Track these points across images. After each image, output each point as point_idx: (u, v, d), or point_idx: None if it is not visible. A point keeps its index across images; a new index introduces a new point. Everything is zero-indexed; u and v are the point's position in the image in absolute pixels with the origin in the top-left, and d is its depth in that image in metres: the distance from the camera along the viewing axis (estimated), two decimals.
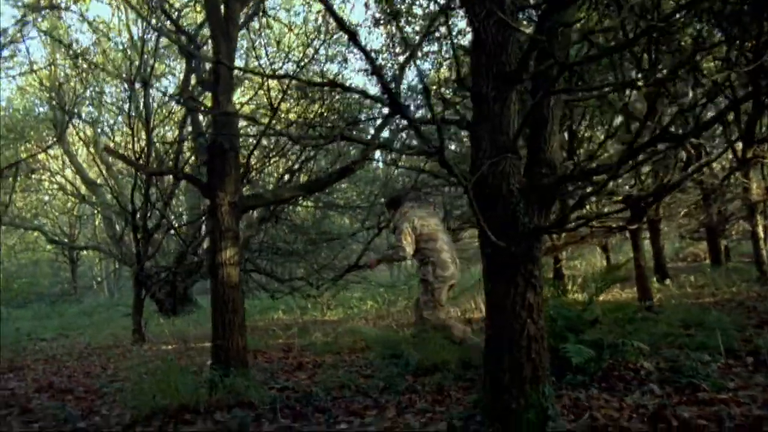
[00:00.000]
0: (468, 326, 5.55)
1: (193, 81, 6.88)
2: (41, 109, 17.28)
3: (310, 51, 7.89)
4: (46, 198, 19.46)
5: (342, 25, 2.40)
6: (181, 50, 6.17)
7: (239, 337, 4.28)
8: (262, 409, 3.78)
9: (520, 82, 2.87)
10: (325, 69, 8.99)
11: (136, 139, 9.66)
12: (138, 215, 9.60)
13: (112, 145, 14.24)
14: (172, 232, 11.74)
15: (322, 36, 8.08)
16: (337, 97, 7.42)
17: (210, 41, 4.57)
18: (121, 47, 13.92)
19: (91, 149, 15.85)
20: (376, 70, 2.38)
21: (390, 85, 2.61)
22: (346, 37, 2.21)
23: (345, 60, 8.48)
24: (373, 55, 8.70)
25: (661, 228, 10.54)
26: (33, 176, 17.01)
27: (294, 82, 5.05)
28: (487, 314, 3.03)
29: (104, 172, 14.75)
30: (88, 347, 9.28)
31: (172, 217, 13.98)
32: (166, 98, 12.39)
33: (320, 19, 8.84)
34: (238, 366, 4.20)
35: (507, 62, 2.86)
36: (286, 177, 9.06)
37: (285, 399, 3.88)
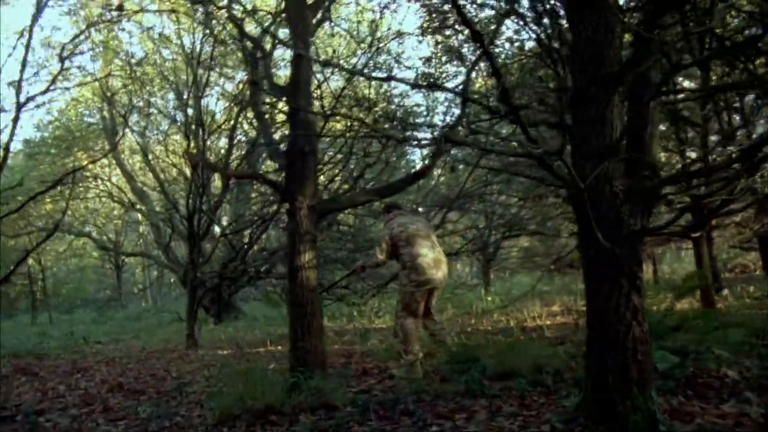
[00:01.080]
0: (422, 357, 5.44)
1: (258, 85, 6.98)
2: (91, 119, 17.73)
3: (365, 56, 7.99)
4: (94, 205, 19.92)
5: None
6: (247, 57, 6.27)
7: (318, 340, 4.31)
8: (346, 412, 3.80)
9: (622, 83, 2.86)
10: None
11: (192, 145, 9.91)
12: (193, 221, 9.79)
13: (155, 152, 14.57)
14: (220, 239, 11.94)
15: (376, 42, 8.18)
16: (394, 104, 7.48)
17: (284, 47, 4.62)
18: (174, 57, 14.30)
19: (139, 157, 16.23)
20: (492, 63, 2.39)
21: (502, 84, 2.62)
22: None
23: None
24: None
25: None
26: (81, 184, 17.43)
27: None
28: (589, 316, 3.01)
29: (155, 178, 15.08)
30: (143, 351, 9.44)
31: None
32: (219, 105, 12.63)
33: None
34: (317, 368, 4.23)
35: (610, 63, 2.84)
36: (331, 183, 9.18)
37: (368, 402, 3.88)
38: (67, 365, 8.13)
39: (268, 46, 6.59)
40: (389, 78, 4.26)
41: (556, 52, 3.13)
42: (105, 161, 17.66)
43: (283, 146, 5.18)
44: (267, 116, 5.88)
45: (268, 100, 6.22)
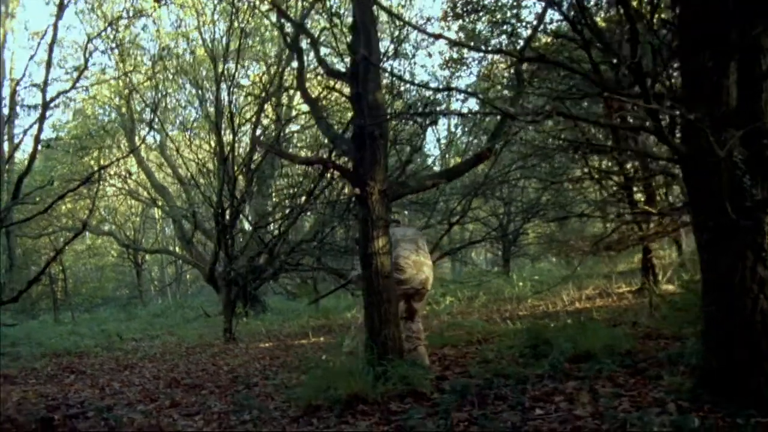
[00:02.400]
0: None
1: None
2: (106, 118, 17.63)
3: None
4: (112, 204, 19.87)
5: None
6: (289, 43, 6.15)
7: (395, 328, 4.22)
8: (438, 398, 3.71)
9: (739, 52, 2.74)
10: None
11: (222, 136, 9.88)
12: (225, 215, 9.74)
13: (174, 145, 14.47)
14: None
15: None
16: None
17: (350, 31, 4.51)
18: (192, 50, 14.18)
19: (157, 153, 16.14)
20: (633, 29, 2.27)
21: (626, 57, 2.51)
22: None
23: None
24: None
25: None
26: (102, 182, 17.38)
27: None
28: (706, 291, 2.91)
29: (174, 175, 14.98)
30: (181, 346, 9.39)
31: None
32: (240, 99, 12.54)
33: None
34: (395, 356, 4.14)
35: (726, 32, 2.73)
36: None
37: (468, 388, 3.78)
38: (110, 362, 8.08)
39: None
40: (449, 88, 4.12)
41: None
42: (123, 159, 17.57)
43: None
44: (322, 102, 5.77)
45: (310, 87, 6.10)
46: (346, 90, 5.83)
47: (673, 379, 3.43)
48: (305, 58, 6.10)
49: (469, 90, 6.10)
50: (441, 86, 8.70)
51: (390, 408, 3.67)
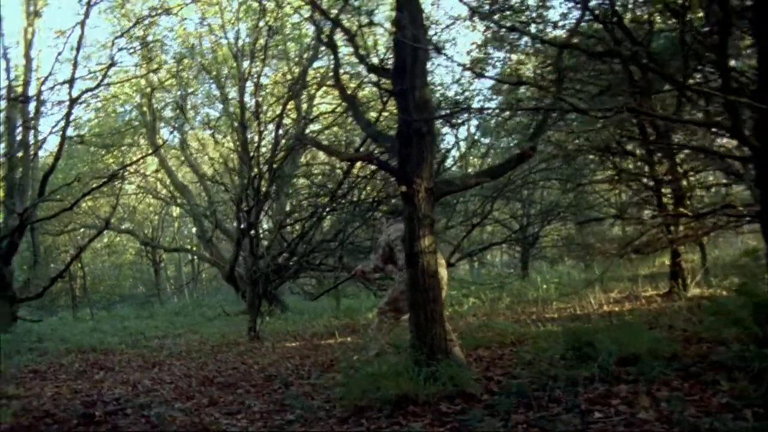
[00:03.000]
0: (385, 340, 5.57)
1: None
2: (127, 116, 17.70)
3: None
4: (131, 202, 19.95)
5: None
6: (324, 40, 6.10)
7: (441, 327, 4.15)
8: (489, 400, 3.64)
9: None
10: None
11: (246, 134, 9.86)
12: (251, 214, 9.71)
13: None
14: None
15: None
16: None
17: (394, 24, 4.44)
18: (214, 48, 14.18)
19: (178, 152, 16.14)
20: None
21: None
22: None
23: None
24: None
25: None
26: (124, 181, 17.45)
27: None
28: None
29: (194, 173, 14.99)
30: (205, 344, 9.36)
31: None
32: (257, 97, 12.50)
33: None
34: (441, 356, 4.07)
35: None
36: None
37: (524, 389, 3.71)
38: (137, 359, 8.07)
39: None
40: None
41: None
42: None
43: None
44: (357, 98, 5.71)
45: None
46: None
47: (735, 384, 3.34)
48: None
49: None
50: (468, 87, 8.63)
51: (440, 409, 3.60)
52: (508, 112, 7.63)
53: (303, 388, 5.02)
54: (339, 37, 6.52)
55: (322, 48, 12.24)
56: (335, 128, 12.70)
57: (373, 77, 5.91)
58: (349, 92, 5.85)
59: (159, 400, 5.00)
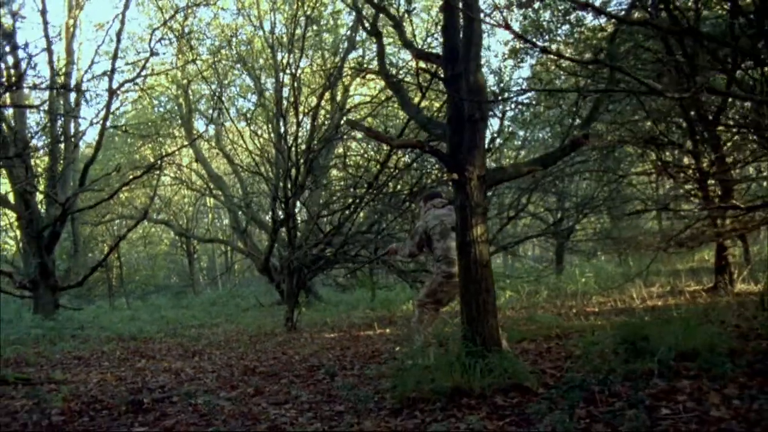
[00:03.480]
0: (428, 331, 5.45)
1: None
2: (163, 108, 17.85)
3: None
4: (166, 193, 20.16)
5: None
6: (368, 29, 6.01)
7: (493, 318, 4.04)
8: (546, 394, 3.53)
9: None
10: None
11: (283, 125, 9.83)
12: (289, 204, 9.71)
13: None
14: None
15: None
16: None
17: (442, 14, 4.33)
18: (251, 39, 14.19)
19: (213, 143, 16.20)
20: None
21: None
22: None
23: None
24: None
25: None
26: (159, 172, 17.63)
27: None
28: None
29: (230, 164, 15.02)
30: (243, 334, 9.39)
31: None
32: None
33: None
34: (493, 348, 3.96)
35: None
36: None
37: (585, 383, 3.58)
38: (177, 348, 8.12)
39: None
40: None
41: None
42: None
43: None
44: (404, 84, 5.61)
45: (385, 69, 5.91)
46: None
47: None
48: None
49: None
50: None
51: (496, 402, 3.50)
52: (575, 94, 7.41)
53: (348, 379, 4.96)
54: (382, 24, 6.44)
55: (359, 38, 12.17)
56: (369, 119, 12.63)
57: (417, 64, 5.78)
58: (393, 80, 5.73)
59: (203, 388, 4.99)
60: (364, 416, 3.61)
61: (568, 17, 10.43)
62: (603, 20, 10.65)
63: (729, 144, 9.12)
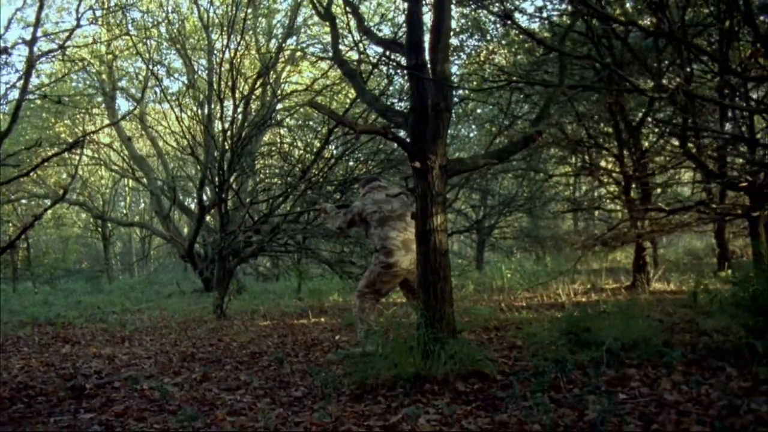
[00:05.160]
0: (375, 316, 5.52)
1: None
2: (82, 83, 16.94)
3: None
4: (84, 173, 19.18)
5: None
6: (321, 14, 5.96)
7: (450, 307, 4.10)
8: (505, 381, 3.62)
9: None
10: None
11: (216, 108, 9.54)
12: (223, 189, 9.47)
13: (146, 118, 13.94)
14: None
15: None
16: None
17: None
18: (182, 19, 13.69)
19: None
20: None
21: None
22: None
23: None
24: None
25: None
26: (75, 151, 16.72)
27: None
28: None
29: (154, 146, 14.46)
30: (170, 320, 9.09)
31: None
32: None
33: None
34: (449, 335, 4.03)
35: None
36: None
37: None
38: (102, 334, 7.76)
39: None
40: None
41: None
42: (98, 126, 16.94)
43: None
44: (360, 73, 5.57)
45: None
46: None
47: (743, 370, 3.43)
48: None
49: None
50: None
51: (457, 388, 3.56)
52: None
53: (294, 366, 4.90)
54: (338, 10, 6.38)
55: (299, 23, 11.99)
56: (304, 108, 12.49)
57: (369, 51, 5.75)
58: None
59: (144, 374, 4.80)
60: (322, 402, 3.58)
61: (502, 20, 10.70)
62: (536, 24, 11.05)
63: (650, 149, 9.63)
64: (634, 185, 9.85)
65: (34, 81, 15.85)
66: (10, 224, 19.33)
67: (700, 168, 7.87)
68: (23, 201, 19.55)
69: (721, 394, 3.01)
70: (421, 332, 3.89)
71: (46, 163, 11.57)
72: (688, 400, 3.00)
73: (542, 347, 4.84)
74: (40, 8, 10.28)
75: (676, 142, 9.12)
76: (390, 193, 5.59)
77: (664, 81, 7.39)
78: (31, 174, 16.00)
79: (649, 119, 9.06)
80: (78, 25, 10.31)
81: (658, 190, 11.11)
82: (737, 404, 2.72)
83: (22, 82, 10.19)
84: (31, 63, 10.33)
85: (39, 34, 10.60)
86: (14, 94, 10.39)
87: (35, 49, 10.46)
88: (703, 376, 3.54)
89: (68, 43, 10.73)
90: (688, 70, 6.41)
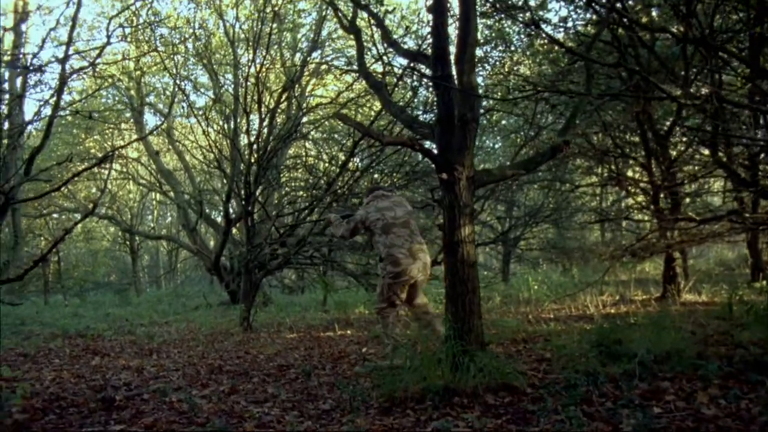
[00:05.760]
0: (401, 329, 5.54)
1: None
2: (112, 99, 17.26)
3: None
4: (112, 187, 19.48)
5: None
6: (346, 27, 5.98)
7: (478, 319, 4.07)
8: (535, 394, 3.56)
9: None
10: None
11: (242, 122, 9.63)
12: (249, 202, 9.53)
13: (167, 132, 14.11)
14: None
15: None
16: None
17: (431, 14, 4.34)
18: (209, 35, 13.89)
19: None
20: None
21: None
22: None
23: None
24: None
25: None
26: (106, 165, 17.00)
27: None
28: None
29: (180, 160, 14.64)
30: (198, 333, 9.14)
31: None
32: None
33: None
34: (478, 348, 3.98)
35: None
36: None
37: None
38: (130, 346, 7.83)
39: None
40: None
41: None
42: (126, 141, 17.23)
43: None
44: (386, 85, 5.58)
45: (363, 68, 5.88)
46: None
47: None
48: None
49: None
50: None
51: (487, 401, 3.51)
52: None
53: (322, 379, 4.89)
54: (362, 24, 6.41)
55: (323, 37, 12.09)
56: (329, 121, 12.57)
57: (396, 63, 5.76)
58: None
59: (172, 386, 4.82)
60: (353, 414, 3.55)
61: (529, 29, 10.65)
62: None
63: (679, 158, 9.49)
64: (662, 195, 9.70)
65: (65, 98, 16.17)
66: (42, 238, 19.68)
67: (732, 176, 7.72)
68: (54, 215, 19.94)
69: (763, 409, 2.93)
70: (449, 344, 3.85)
71: (76, 178, 11.74)
72: (727, 414, 2.92)
73: (572, 360, 4.76)
74: (72, 27, 10.53)
75: (706, 151, 9.00)
76: (395, 200, 5.54)
77: (692, 89, 7.33)
78: (62, 189, 16.33)
79: (678, 127, 8.90)
80: (108, 43, 10.47)
81: (688, 200, 10.94)
82: None
83: (54, 98, 10.40)
84: (63, 80, 10.54)
85: (71, 52, 10.81)
86: (47, 111, 10.47)
87: (67, 66, 10.71)
88: (741, 390, 3.45)
89: (98, 60, 10.89)
90: (717, 77, 6.36)
